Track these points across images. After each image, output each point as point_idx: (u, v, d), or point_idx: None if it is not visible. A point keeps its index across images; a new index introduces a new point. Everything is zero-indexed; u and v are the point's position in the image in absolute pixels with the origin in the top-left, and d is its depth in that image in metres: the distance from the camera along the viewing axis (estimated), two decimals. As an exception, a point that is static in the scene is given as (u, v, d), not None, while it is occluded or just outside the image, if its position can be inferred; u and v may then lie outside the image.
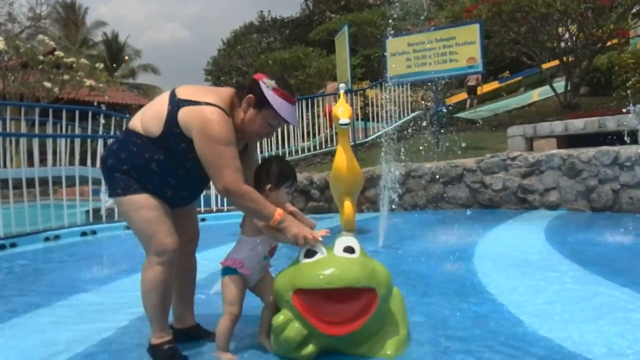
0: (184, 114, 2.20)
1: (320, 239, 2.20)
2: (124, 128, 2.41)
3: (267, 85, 2.27)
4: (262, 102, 2.27)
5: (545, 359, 2.09)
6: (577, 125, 6.98)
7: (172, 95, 2.28)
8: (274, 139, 10.42)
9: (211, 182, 2.30)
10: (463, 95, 19.00)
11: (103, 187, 7.01)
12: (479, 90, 18.83)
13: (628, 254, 4.04)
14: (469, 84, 18.00)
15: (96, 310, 3.10)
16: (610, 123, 6.64)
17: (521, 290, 3.10)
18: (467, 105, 18.12)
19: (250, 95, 2.28)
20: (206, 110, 2.18)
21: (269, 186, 2.29)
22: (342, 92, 5.75)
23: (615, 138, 6.30)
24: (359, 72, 18.02)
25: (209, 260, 3.15)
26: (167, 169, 2.28)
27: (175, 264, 2.31)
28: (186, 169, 2.29)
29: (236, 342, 2.39)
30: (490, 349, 2.20)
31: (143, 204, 2.26)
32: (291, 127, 10.84)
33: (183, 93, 2.26)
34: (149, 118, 2.28)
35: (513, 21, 11.03)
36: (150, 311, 2.29)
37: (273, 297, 2.30)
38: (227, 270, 2.30)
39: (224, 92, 2.32)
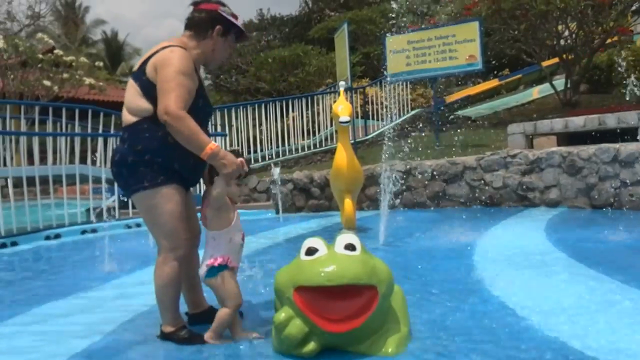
0: (149, 69, 2.32)
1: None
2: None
3: (226, 13, 2.48)
4: (226, 29, 2.48)
5: (547, 356, 2.09)
6: (577, 122, 6.98)
7: (132, 74, 2.43)
8: (273, 136, 10.41)
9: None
10: (467, 92, 19.29)
11: (104, 186, 7.03)
12: None
13: (629, 251, 4.05)
14: None
15: (97, 306, 3.10)
16: (611, 120, 6.63)
17: (522, 288, 3.09)
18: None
19: (219, 26, 2.45)
20: (166, 50, 2.34)
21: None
22: (342, 89, 5.74)
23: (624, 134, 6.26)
24: (358, 70, 17.96)
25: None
26: None
27: (185, 259, 2.43)
28: None
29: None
30: (491, 347, 2.20)
31: (170, 197, 2.33)
32: (292, 127, 10.85)
33: (138, 64, 2.40)
34: (131, 103, 2.36)
35: (513, 19, 11.01)
36: (166, 303, 2.36)
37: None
38: (218, 269, 2.33)
39: (175, 39, 2.47)
